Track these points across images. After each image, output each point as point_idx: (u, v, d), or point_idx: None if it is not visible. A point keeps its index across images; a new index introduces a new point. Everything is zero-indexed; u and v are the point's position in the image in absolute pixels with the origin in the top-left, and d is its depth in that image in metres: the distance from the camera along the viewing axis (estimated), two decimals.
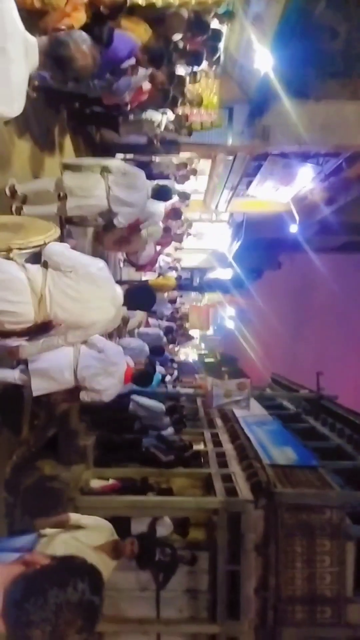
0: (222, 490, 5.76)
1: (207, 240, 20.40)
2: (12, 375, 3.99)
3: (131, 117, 6.65)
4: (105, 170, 4.67)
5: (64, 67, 2.51)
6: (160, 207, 6.77)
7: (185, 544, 5.80)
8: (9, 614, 1.28)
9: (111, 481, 6.22)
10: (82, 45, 2.52)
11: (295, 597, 5.39)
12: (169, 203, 7.12)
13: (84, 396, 4.24)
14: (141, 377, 4.81)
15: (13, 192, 4.53)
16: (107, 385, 4.18)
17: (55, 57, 2.46)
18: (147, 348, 7.25)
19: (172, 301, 14.53)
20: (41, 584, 1.29)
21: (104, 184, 4.64)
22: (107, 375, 4.18)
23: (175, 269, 14.49)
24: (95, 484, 6.02)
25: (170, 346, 15.49)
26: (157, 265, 10.30)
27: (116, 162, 4.87)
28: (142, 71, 5.13)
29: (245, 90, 10.80)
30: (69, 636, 1.28)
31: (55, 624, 1.26)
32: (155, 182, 5.89)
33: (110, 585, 5.13)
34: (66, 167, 4.79)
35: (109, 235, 6.09)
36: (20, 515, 4.66)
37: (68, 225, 5.31)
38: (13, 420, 5.11)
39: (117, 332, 5.57)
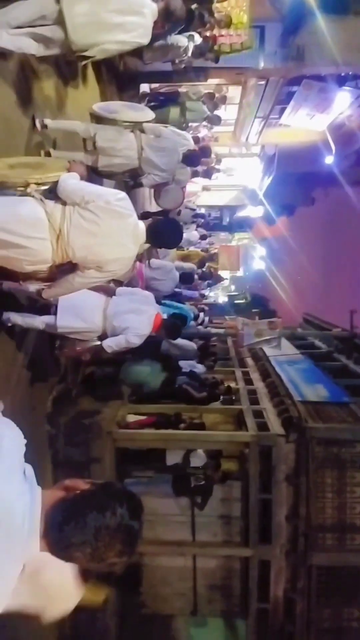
0: (253, 425, 5.89)
1: (237, 176, 19.62)
2: (40, 320, 4.01)
3: (156, 43, 6.23)
4: (138, 127, 4.46)
5: None
6: (186, 175, 6.50)
7: (217, 471, 6.05)
8: (50, 536, 1.34)
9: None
10: None
11: (326, 525, 5.59)
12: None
13: (109, 343, 4.08)
14: (170, 329, 4.74)
15: (43, 125, 4.41)
16: (135, 322, 4.10)
17: None
18: (176, 273, 7.10)
19: (203, 237, 14.12)
20: (81, 508, 1.34)
21: (137, 145, 4.45)
22: (135, 313, 4.14)
23: (199, 216, 13.91)
24: (131, 419, 6.24)
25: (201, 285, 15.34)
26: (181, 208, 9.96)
27: (150, 123, 4.63)
28: None
29: (278, 7, 9.91)
30: (109, 558, 1.34)
31: (95, 547, 1.31)
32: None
33: (149, 510, 5.46)
34: (96, 119, 4.57)
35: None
36: (63, 446, 4.90)
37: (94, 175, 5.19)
38: (51, 360, 5.27)
39: (147, 255, 5.46)
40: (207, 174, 10.93)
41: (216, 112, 9.62)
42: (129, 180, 5.11)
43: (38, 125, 4.35)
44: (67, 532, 1.31)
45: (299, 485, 5.56)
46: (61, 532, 1.32)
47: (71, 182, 2.76)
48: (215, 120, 9.12)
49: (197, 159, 5.75)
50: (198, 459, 5.80)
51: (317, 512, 5.62)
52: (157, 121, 5.10)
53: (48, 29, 3.43)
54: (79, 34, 3.43)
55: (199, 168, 8.40)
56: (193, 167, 6.18)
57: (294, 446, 5.62)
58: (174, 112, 7.45)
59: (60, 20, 3.38)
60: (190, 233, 11.03)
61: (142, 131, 4.53)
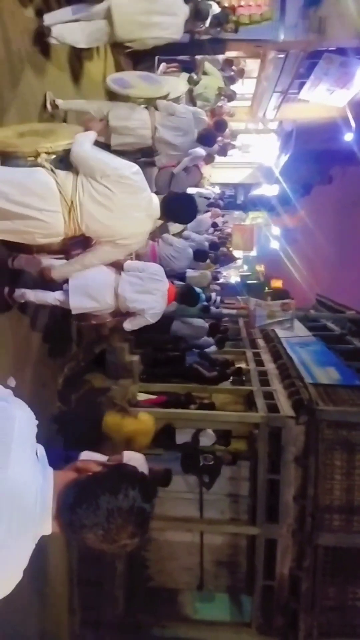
0: (263, 406, 5.89)
1: (253, 153, 19.20)
2: (53, 296, 3.99)
3: None
4: (152, 104, 4.33)
5: None
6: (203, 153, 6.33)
7: (227, 452, 6.10)
8: (63, 517, 1.34)
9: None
10: None
11: (333, 506, 5.61)
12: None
13: (128, 325, 4.11)
14: (186, 295, 4.74)
15: (54, 106, 4.32)
16: (150, 302, 4.07)
17: None
18: (190, 250, 7.03)
19: (215, 225, 13.99)
20: (93, 490, 1.34)
21: (150, 124, 4.34)
22: (149, 293, 4.10)
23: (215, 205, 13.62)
24: (142, 397, 6.28)
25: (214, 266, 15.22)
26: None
27: (163, 101, 4.50)
28: None
29: None
30: (121, 540, 1.34)
31: (107, 529, 1.32)
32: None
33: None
34: (110, 94, 4.46)
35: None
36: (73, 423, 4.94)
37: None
38: (62, 337, 5.29)
39: (159, 231, 5.39)
40: (223, 151, 10.71)
41: (232, 87, 9.34)
42: (141, 158, 5.01)
43: (49, 105, 4.27)
44: (80, 514, 1.32)
45: (307, 467, 5.57)
46: (73, 513, 1.32)
47: (87, 147, 2.65)
48: (231, 95, 8.85)
49: (213, 138, 5.60)
50: (207, 439, 5.84)
51: (325, 494, 5.64)
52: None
53: (96, 23, 4.04)
54: (126, 30, 4.07)
55: (215, 147, 8.22)
56: (209, 147, 5.99)
57: (304, 428, 5.62)
58: (183, 77, 7.23)
59: (108, 16, 3.97)
60: (202, 219, 10.86)
61: (156, 108, 4.42)
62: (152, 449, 6.11)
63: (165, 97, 4.60)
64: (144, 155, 4.88)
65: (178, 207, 3.27)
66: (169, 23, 4.32)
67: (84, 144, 2.65)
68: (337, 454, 5.64)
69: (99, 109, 4.31)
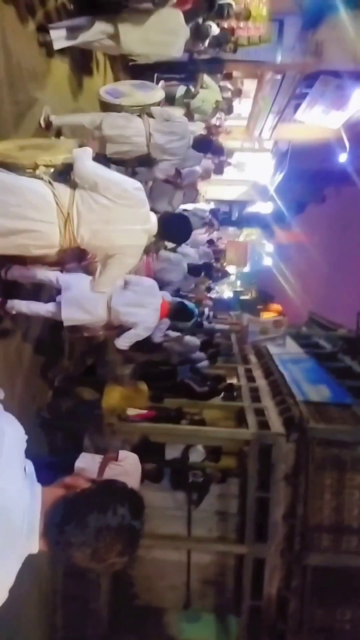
0: (254, 423, 5.86)
1: (248, 171, 19.42)
2: (45, 308, 3.98)
3: None
4: (146, 112, 4.37)
5: None
6: (198, 160, 6.38)
7: (217, 470, 6.04)
8: (50, 535, 1.31)
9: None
10: None
11: (322, 526, 5.58)
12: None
13: (121, 342, 4.08)
14: (179, 312, 4.72)
15: (48, 123, 4.34)
16: (143, 316, 4.06)
17: None
18: (185, 264, 7.05)
19: (210, 242, 14.08)
20: (81, 508, 1.31)
21: (145, 131, 4.35)
22: (142, 307, 4.09)
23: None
24: (132, 411, 6.22)
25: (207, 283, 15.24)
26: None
27: (157, 108, 4.54)
28: None
29: (298, 1, 9.75)
30: (110, 558, 1.31)
31: (96, 547, 1.29)
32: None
33: (145, 503, 5.44)
34: (103, 104, 4.49)
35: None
36: (62, 437, 4.89)
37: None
38: (54, 349, 5.25)
39: (155, 248, 5.39)
40: (219, 169, 10.82)
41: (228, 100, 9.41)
42: (138, 166, 5.02)
43: (42, 122, 4.29)
44: (67, 532, 1.28)
45: (297, 485, 5.54)
46: (61, 532, 1.29)
47: (89, 163, 2.67)
48: (228, 108, 8.91)
49: (209, 144, 5.65)
50: (197, 455, 5.78)
51: (315, 513, 5.61)
52: (166, 98, 5.12)
53: (104, 39, 4.39)
54: (130, 47, 4.43)
55: (211, 161, 8.29)
56: (205, 153, 6.05)
57: (294, 446, 5.60)
58: (180, 90, 7.33)
59: (115, 34, 4.31)
60: (198, 236, 10.96)
61: (150, 115, 4.43)
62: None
63: (159, 104, 4.63)
64: (141, 164, 4.90)
65: (173, 228, 3.34)
66: (170, 42, 4.61)
67: (84, 160, 2.66)
68: (327, 472, 5.62)
69: (91, 120, 4.32)
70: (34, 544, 1.31)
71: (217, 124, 8.32)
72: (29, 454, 1.44)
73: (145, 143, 4.39)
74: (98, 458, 4.16)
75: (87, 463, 4.11)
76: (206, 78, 7.89)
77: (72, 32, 4.36)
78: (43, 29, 4.30)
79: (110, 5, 4.36)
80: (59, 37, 4.31)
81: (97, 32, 4.32)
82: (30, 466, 1.40)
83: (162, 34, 4.52)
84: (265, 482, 5.55)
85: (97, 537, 1.28)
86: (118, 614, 5.92)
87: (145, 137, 4.37)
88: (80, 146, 2.82)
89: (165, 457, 5.70)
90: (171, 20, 4.63)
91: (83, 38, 4.34)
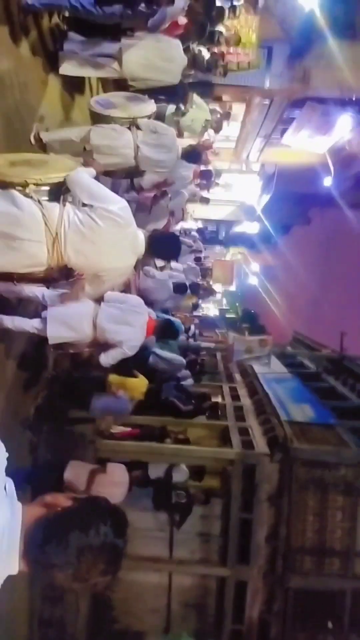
0: (238, 442, 5.84)
1: (236, 192, 19.74)
2: (31, 324, 3.95)
3: None
4: (134, 124, 4.43)
5: None
6: (189, 173, 6.47)
7: (201, 490, 5.98)
8: (30, 555, 1.28)
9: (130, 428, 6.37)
10: None
11: (305, 548, 5.54)
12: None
13: (105, 359, 4.04)
14: (165, 330, 4.72)
15: (38, 139, 4.37)
16: (128, 334, 4.03)
17: None
18: (170, 283, 7.06)
19: (197, 259, 14.21)
20: (63, 527, 1.28)
21: (133, 143, 4.39)
22: (128, 325, 4.07)
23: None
24: (116, 429, 6.16)
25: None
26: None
27: (145, 120, 4.59)
28: (179, 2, 4.78)
29: (286, 29, 10.08)
30: (92, 578, 1.29)
31: (78, 567, 1.26)
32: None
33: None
34: (93, 115, 4.55)
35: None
36: (44, 454, 4.82)
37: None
38: (38, 365, 5.20)
39: (142, 263, 5.41)
40: (207, 187, 10.97)
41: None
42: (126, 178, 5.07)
43: (32, 138, 4.32)
44: (49, 553, 1.26)
45: (280, 506, 5.51)
46: (42, 552, 1.26)
47: (83, 175, 2.73)
48: (217, 127, 9.05)
49: (199, 155, 5.72)
50: (181, 474, 5.72)
51: (298, 534, 5.57)
52: (156, 116, 5.20)
53: (107, 60, 4.64)
54: (131, 69, 4.66)
55: (200, 181, 8.38)
56: (195, 163, 6.13)
57: (278, 466, 5.58)
58: (170, 108, 7.45)
59: (118, 57, 4.56)
60: (185, 258, 11.14)
61: (139, 128, 4.47)
62: None
63: (149, 117, 4.70)
64: (129, 176, 4.94)
65: (163, 246, 3.38)
66: (168, 68, 4.86)
67: (83, 172, 2.75)
68: (310, 493, 5.60)
69: (79, 134, 4.35)
70: (14, 565, 1.28)
71: (208, 139, 8.43)
72: (9, 471, 1.41)
73: (133, 155, 4.42)
74: (87, 467, 4.14)
75: (76, 473, 4.09)
76: (196, 97, 8.03)
77: (80, 56, 4.64)
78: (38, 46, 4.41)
79: (114, 30, 4.56)
80: (69, 66, 4.68)
81: (103, 56, 4.61)
82: (10, 484, 1.37)
83: (162, 61, 4.81)
84: (248, 503, 5.51)
85: (79, 557, 1.25)
86: (97, 638, 5.76)
87: (133, 149, 4.40)
88: (85, 164, 2.88)
89: (148, 476, 5.64)
90: (171, 48, 4.91)
91: (90, 66, 4.70)
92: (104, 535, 1.28)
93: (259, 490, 5.49)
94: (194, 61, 5.23)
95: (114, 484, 4.20)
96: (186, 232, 14.21)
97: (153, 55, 4.74)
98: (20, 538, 1.28)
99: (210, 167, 8.89)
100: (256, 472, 5.50)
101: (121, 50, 4.58)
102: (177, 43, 5.06)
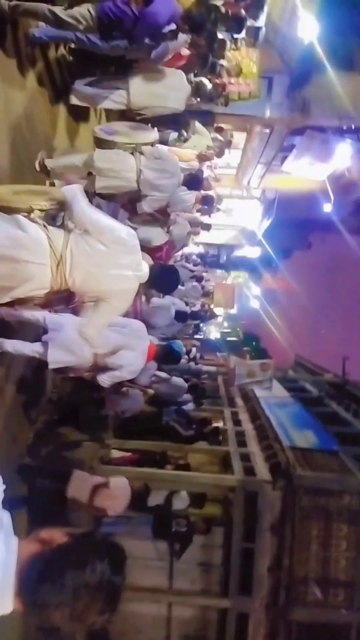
0: (240, 468, 5.75)
1: (237, 216, 19.99)
2: (31, 348, 3.93)
3: None
4: (137, 149, 4.52)
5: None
6: (191, 197, 6.55)
7: (201, 518, 5.86)
8: (25, 595, 1.23)
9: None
10: None
11: (309, 579, 5.39)
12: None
13: (104, 379, 4.03)
14: (166, 356, 4.69)
15: (42, 166, 4.45)
16: (129, 359, 4.02)
17: None
18: (173, 310, 7.09)
19: (199, 279, 14.32)
20: (57, 566, 1.23)
21: (135, 167, 4.47)
22: (129, 350, 4.06)
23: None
24: (115, 454, 6.09)
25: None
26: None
27: (148, 147, 4.67)
28: (182, 36, 4.92)
29: (286, 60, 10.37)
30: (89, 618, 1.24)
31: (74, 607, 1.21)
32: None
33: (125, 553, 5.24)
34: (97, 141, 4.64)
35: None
36: (41, 480, 4.73)
37: (97, 197, 5.22)
38: (38, 388, 5.17)
39: (143, 290, 5.43)
40: (208, 212, 11.10)
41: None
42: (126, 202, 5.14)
43: (37, 165, 4.41)
44: (44, 592, 1.20)
45: (283, 536, 5.39)
46: (36, 592, 1.21)
47: (86, 207, 2.71)
48: (219, 152, 9.20)
49: (200, 182, 5.82)
50: (181, 502, 5.61)
51: (301, 564, 5.43)
52: (159, 142, 5.31)
53: (116, 92, 4.81)
54: (139, 98, 4.83)
55: (201, 206, 8.48)
56: (196, 190, 6.20)
57: (281, 494, 5.48)
58: (173, 135, 7.61)
59: (126, 89, 4.75)
60: (187, 286, 11.30)
61: (142, 153, 4.54)
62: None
63: (152, 144, 4.79)
64: (130, 201, 4.99)
65: (162, 280, 3.42)
66: (174, 96, 5.03)
67: (81, 202, 2.71)
68: (313, 522, 5.48)
69: (83, 159, 4.43)
70: (7, 604, 1.23)
71: (210, 163, 8.57)
72: (5, 503, 1.37)
73: (135, 179, 4.49)
74: (90, 480, 4.12)
75: (79, 487, 4.05)
76: (197, 125, 8.22)
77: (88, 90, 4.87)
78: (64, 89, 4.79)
79: (117, 61, 4.74)
80: (79, 96, 4.87)
81: (111, 87, 4.80)
82: (7, 517, 1.33)
83: (168, 89, 4.99)
84: (250, 532, 5.39)
85: (75, 596, 1.21)
86: None
87: (135, 172, 4.47)
88: (65, 181, 2.89)
89: (147, 503, 5.53)
90: (175, 78, 5.11)
91: (99, 97, 4.87)
92: (101, 573, 1.24)
93: (261, 519, 5.37)
94: (197, 90, 5.39)
95: (116, 497, 4.18)
96: (187, 258, 14.36)
97: (159, 84, 4.92)
98: (14, 575, 1.24)
99: (211, 193, 9.01)
100: (258, 499, 5.40)
101: (129, 83, 4.78)
102: (181, 73, 5.24)
